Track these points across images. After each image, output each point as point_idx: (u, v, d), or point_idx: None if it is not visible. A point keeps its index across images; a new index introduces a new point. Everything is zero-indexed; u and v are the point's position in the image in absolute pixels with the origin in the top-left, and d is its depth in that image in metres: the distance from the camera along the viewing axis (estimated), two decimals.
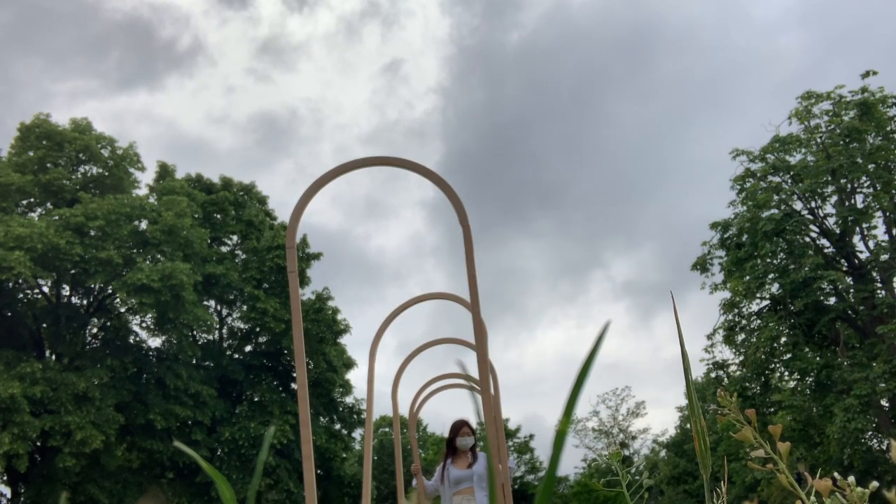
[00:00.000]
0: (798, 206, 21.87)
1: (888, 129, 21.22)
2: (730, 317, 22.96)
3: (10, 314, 22.19)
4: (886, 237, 21.24)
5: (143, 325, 24.21)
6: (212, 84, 59.35)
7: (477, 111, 68.44)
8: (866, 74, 21.44)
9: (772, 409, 22.17)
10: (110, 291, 23.12)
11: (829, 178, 21.21)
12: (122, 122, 52.63)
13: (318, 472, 24.63)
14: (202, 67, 58.27)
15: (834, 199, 21.73)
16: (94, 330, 24.12)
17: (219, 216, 26.95)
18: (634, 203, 66.37)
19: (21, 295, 22.66)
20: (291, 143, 62.88)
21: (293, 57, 62.89)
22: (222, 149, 58.68)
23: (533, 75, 66.68)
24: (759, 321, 22.52)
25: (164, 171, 26.46)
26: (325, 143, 63.16)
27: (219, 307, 26.73)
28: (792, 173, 21.62)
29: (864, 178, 21.01)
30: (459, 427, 5.88)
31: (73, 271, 22.09)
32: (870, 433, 20.05)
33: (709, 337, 23.46)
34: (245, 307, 25.99)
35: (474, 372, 3.49)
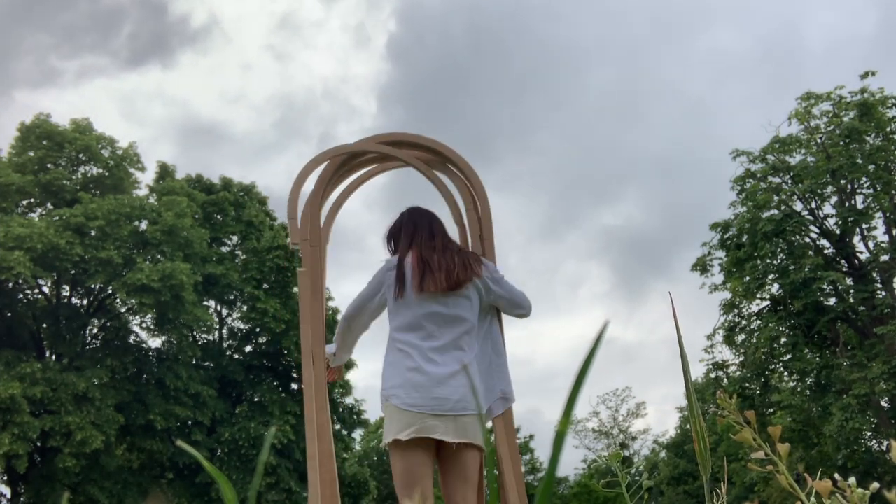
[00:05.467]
0: (798, 206, 21.88)
1: (888, 129, 21.23)
2: (730, 317, 22.98)
3: (10, 314, 22.19)
4: (886, 238, 21.24)
5: (143, 325, 24.23)
6: (227, 62, 58.14)
7: (431, 20, 65.50)
8: (865, 75, 21.46)
9: (771, 410, 22.18)
10: (110, 291, 23.12)
11: (829, 179, 21.21)
12: (133, 102, 51.67)
13: None
14: (217, 44, 57.06)
15: (834, 199, 21.74)
16: (94, 330, 24.13)
17: (219, 216, 26.95)
18: (612, 141, 63.30)
19: (21, 295, 22.66)
20: (309, 122, 61.71)
21: (312, 33, 61.68)
22: (237, 130, 57.74)
23: None
24: (758, 322, 22.53)
25: (164, 172, 26.47)
26: (340, 123, 62.04)
27: (219, 307, 26.73)
28: (792, 174, 21.63)
29: (864, 179, 21.02)
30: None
31: (73, 271, 22.09)
32: (869, 434, 20.06)
33: (708, 337, 23.50)
34: (245, 307, 26.00)
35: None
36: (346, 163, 3.44)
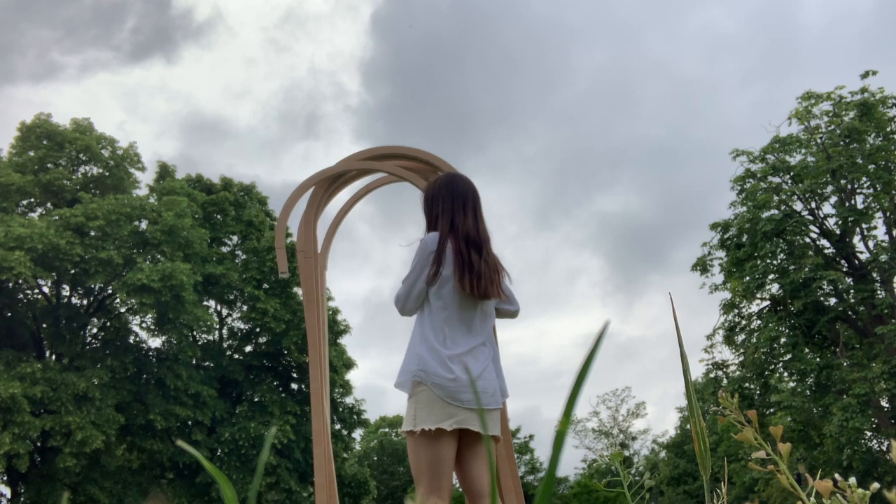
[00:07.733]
0: (798, 206, 21.88)
1: (888, 129, 21.22)
2: (730, 317, 22.97)
3: (10, 314, 22.19)
4: (886, 238, 21.24)
5: (143, 325, 24.22)
6: (231, 56, 57.71)
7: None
8: (866, 75, 21.45)
9: (771, 410, 22.18)
10: (110, 291, 23.13)
11: (829, 179, 21.21)
12: (136, 97, 51.31)
13: None
14: (221, 38, 56.65)
15: (834, 199, 21.74)
16: (94, 330, 24.12)
17: (219, 216, 26.96)
18: (604, 125, 62.19)
19: (21, 295, 22.66)
20: (313, 118, 61.39)
21: (315, 27, 61.29)
22: (241, 125, 57.43)
23: None
24: (758, 322, 22.53)
25: (164, 172, 26.48)
26: (343, 118, 61.71)
27: (219, 307, 26.73)
28: (792, 174, 21.63)
29: (864, 179, 21.02)
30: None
31: (73, 271, 22.09)
32: (869, 434, 20.05)
33: (708, 337, 23.50)
34: (245, 307, 26.00)
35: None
36: (336, 179, 3.47)
